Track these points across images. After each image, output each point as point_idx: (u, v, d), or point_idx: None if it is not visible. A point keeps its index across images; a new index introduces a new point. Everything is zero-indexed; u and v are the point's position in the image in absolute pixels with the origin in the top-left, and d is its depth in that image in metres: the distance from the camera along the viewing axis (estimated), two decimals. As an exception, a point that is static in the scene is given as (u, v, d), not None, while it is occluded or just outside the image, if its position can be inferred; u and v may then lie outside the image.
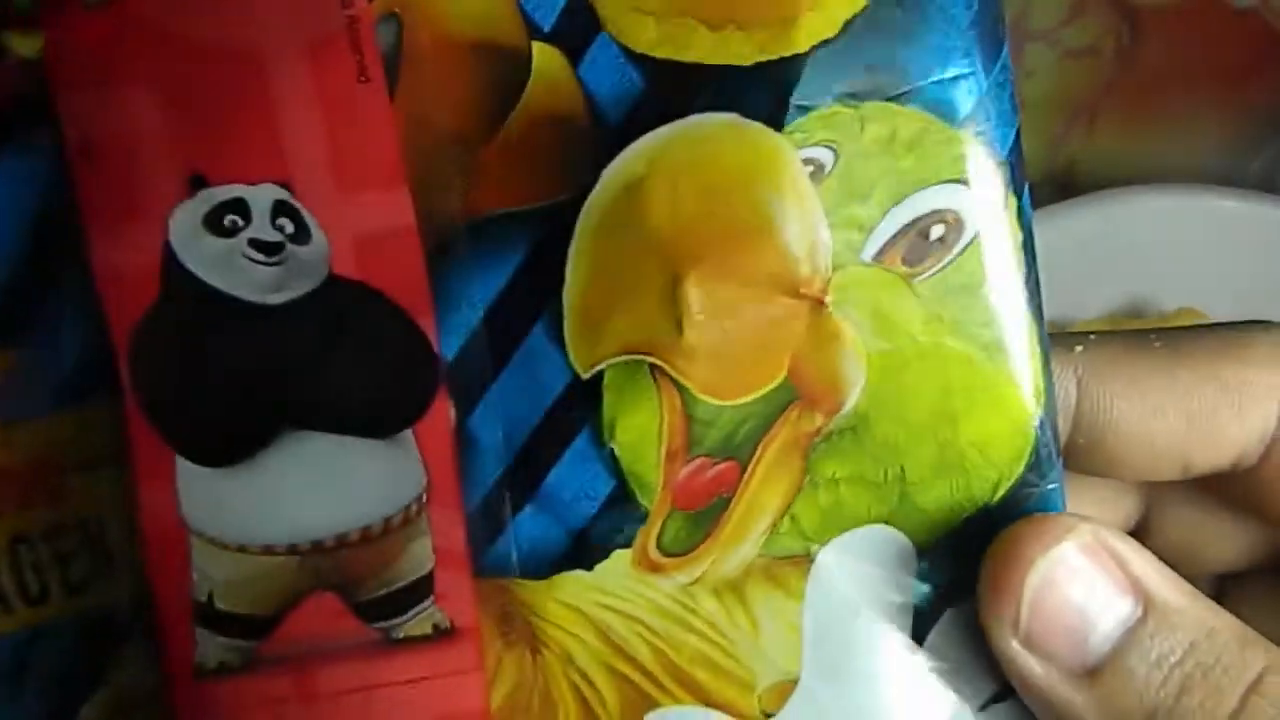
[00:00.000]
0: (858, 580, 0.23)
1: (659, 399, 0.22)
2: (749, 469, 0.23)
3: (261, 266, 0.21)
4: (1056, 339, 0.24)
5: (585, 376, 0.22)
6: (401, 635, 0.23)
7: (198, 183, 0.21)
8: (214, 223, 0.21)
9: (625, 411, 0.22)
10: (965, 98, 0.22)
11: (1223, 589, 0.27)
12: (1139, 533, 0.27)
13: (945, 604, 0.23)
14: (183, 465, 0.22)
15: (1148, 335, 0.24)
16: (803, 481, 0.23)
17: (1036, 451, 0.23)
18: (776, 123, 0.22)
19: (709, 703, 0.23)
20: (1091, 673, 0.21)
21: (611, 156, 0.22)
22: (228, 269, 0.21)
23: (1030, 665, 0.21)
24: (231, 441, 0.22)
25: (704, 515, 0.23)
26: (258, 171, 0.21)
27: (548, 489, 0.22)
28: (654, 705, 0.23)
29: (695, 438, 0.22)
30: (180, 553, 0.22)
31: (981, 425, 0.23)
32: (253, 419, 0.22)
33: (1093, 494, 0.26)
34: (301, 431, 0.22)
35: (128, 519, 0.22)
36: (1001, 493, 0.23)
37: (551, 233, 0.22)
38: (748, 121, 0.22)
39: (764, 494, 0.23)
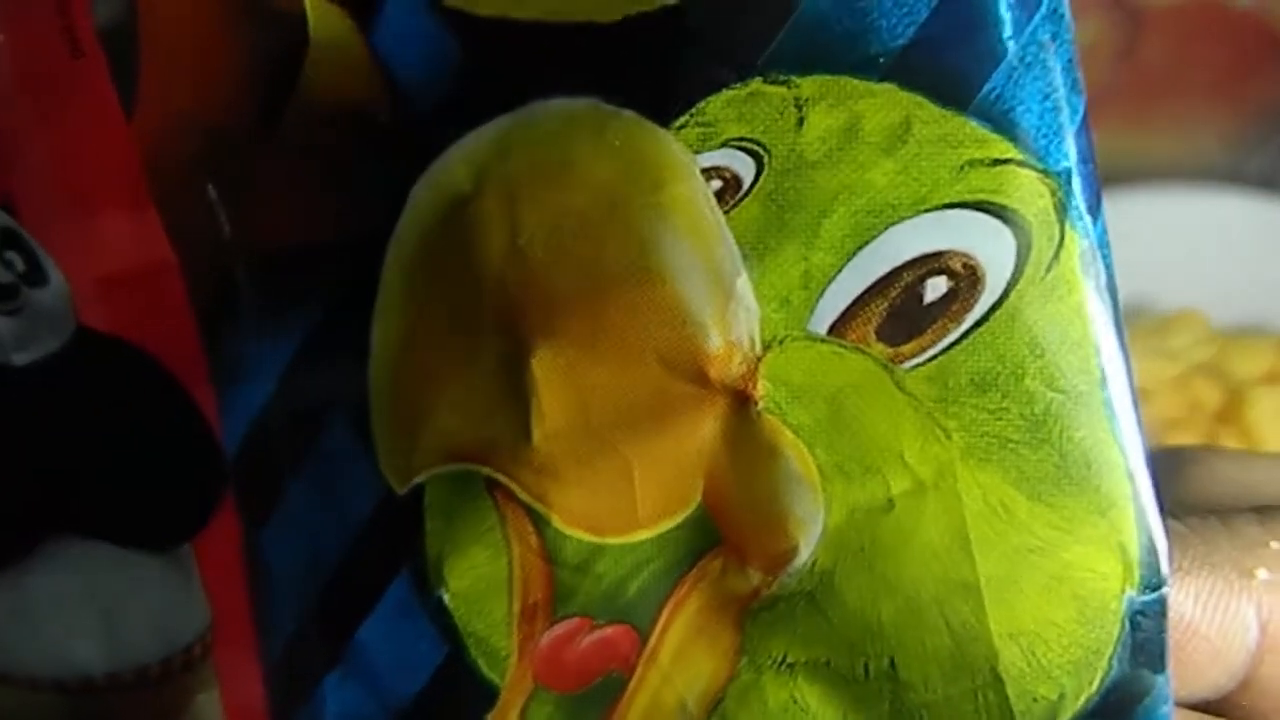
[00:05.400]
0: None
1: (503, 531, 0.15)
2: (651, 639, 0.15)
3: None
4: (1222, 545, 0.15)
5: (400, 492, 0.15)
6: (187, 818, 0.17)
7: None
8: (-65, 259, 0.16)
9: (456, 547, 0.15)
10: (979, 64, 0.13)
11: None
12: None
13: None
14: (-64, 569, 0.17)
15: None
16: (737, 664, 0.15)
17: (1128, 654, 0.14)
18: (661, 112, 0.13)
19: None
20: None
21: (424, 164, 0.14)
22: (-41, 319, 0.16)
23: None
24: (-21, 544, 0.17)
25: (589, 700, 0.15)
26: (-29, 188, 0.16)
27: (360, 647, 0.16)
28: None
29: (564, 590, 0.15)
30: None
31: (1028, 609, 0.14)
32: (6, 519, 0.17)
33: None
34: (65, 538, 0.16)
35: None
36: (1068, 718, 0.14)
37: (357, 276, 0.15)
38: (615, 111, 0.14)
39: (678, 677, 0.15)
